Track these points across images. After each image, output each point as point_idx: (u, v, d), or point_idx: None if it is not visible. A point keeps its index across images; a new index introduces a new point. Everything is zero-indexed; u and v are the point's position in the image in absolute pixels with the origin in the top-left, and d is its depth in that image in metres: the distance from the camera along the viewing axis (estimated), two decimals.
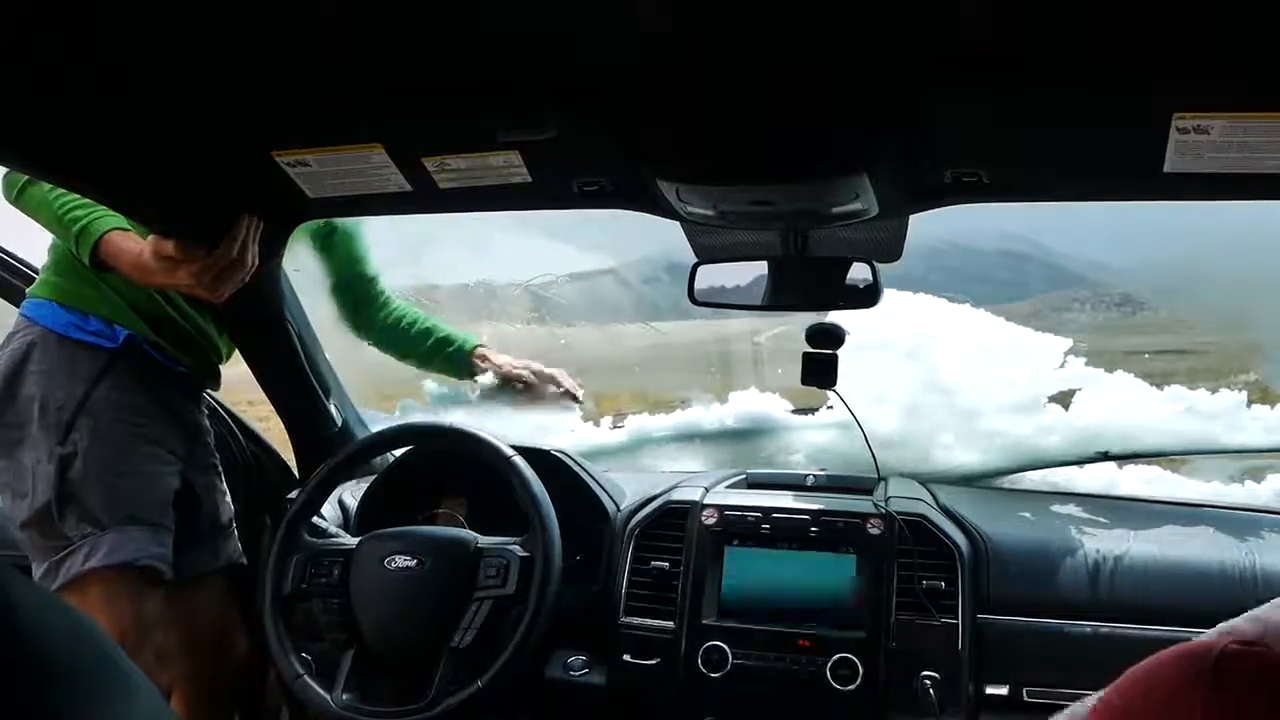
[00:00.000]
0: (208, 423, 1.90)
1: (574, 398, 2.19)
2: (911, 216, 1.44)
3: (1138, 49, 0.98)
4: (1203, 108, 1.05)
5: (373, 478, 1.90)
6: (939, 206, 1.37)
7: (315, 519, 1.70)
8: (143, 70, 1.10)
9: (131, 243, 1.54)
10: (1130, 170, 1.19)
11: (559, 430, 2.21)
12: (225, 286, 1.51)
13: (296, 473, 2.05)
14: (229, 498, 1.92)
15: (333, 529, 1.74)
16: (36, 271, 1.82)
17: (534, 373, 2.17)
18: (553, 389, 2.18)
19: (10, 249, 2.01)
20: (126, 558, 1.62)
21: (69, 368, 1.66)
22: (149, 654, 1.67)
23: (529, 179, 1.35)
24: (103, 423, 1.65)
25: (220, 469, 1.92)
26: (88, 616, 0.45)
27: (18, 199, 1.59)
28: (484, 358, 2.16)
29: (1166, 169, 1.14)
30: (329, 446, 1.90)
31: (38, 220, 1.60)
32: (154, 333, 1.73)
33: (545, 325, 2.59)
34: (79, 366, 1.66)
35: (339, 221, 1.99)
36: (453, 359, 2.17)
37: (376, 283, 2.13)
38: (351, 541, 1.63)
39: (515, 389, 2.18)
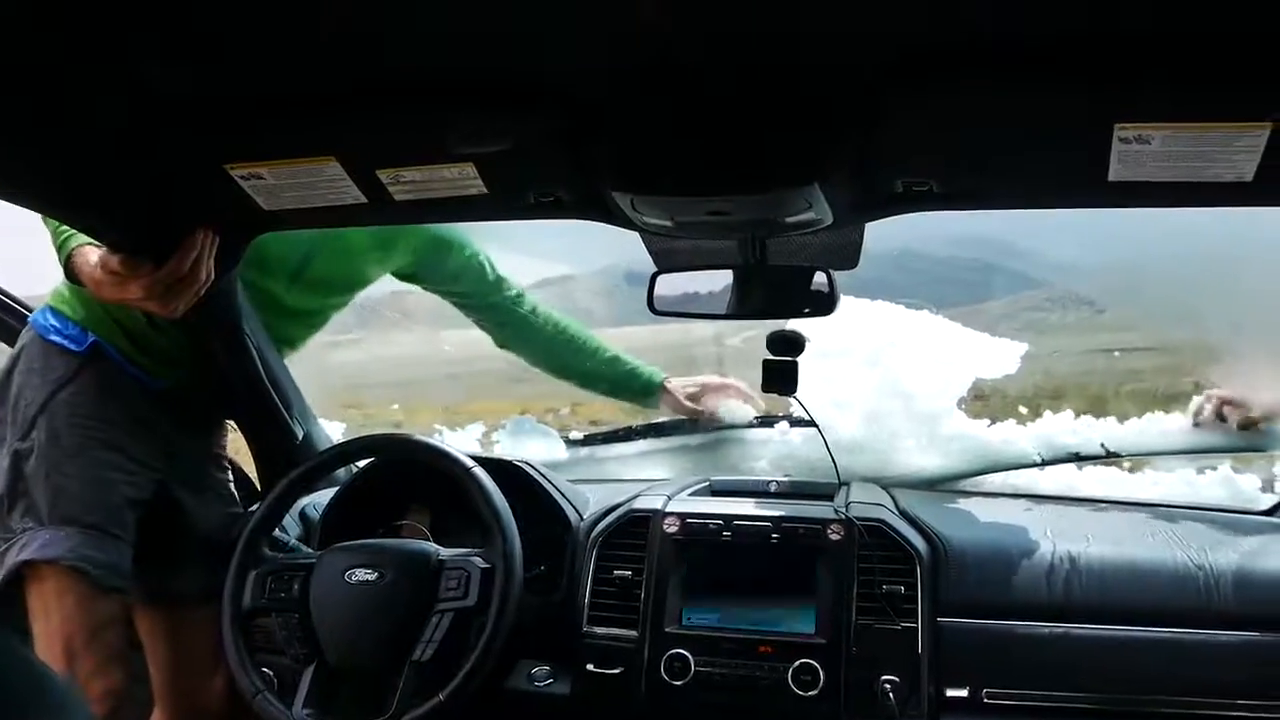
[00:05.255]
0: (210, 444, 1.91)
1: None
2: (870, 224, 1.46)
3: (1078, 61, 1.00)
4: (1143, 118, 1.06)
5: (335, 490, 1.89)
6: (892, 215, 1.38)
7: (276, 532, 1.69)
8: (89, 82, 1.09)
9: (93, 256, 1.53)
10: (1076, 179, 1.21)
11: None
12: (178, 301, 1.50)
13: (259, 486, 2.03)
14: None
15: (293, 542, 1.73)
16: (28, 309, 1.90)
17: (710, 388, 2.20)
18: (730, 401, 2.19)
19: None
20: (55, 555, 1.61)
21: (43, 368, 1.71)
22: (97, 656, 1.65)
23: (485, 190, 1.35)
24: (59, 423, 1.67)
25: (228, 494, 1.92)
26: (14, 636, 0.45)
27: None
28: (669, 393, 2.20)
29: (1111, 178, 1.16)
30: (290, 459, 1.88)
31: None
32: (133, 346, 1.74)
33: None
34: (51, 368, 1.70)
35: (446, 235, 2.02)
36: (640, 393, 2.22)
37: (522, 296, 2.15)
38: (312, 555, 1.62)
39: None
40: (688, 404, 2.19)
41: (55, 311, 1.74)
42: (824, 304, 1.52)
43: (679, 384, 2.21)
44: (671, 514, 1.70)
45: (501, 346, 2.19)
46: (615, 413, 3.05)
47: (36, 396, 1.69)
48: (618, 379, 2.21)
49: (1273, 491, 1.88)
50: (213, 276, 1.52)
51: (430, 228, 1.98)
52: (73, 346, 1.71)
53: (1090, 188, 1.20)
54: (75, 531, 1.64)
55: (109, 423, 1.71)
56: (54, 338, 1.72)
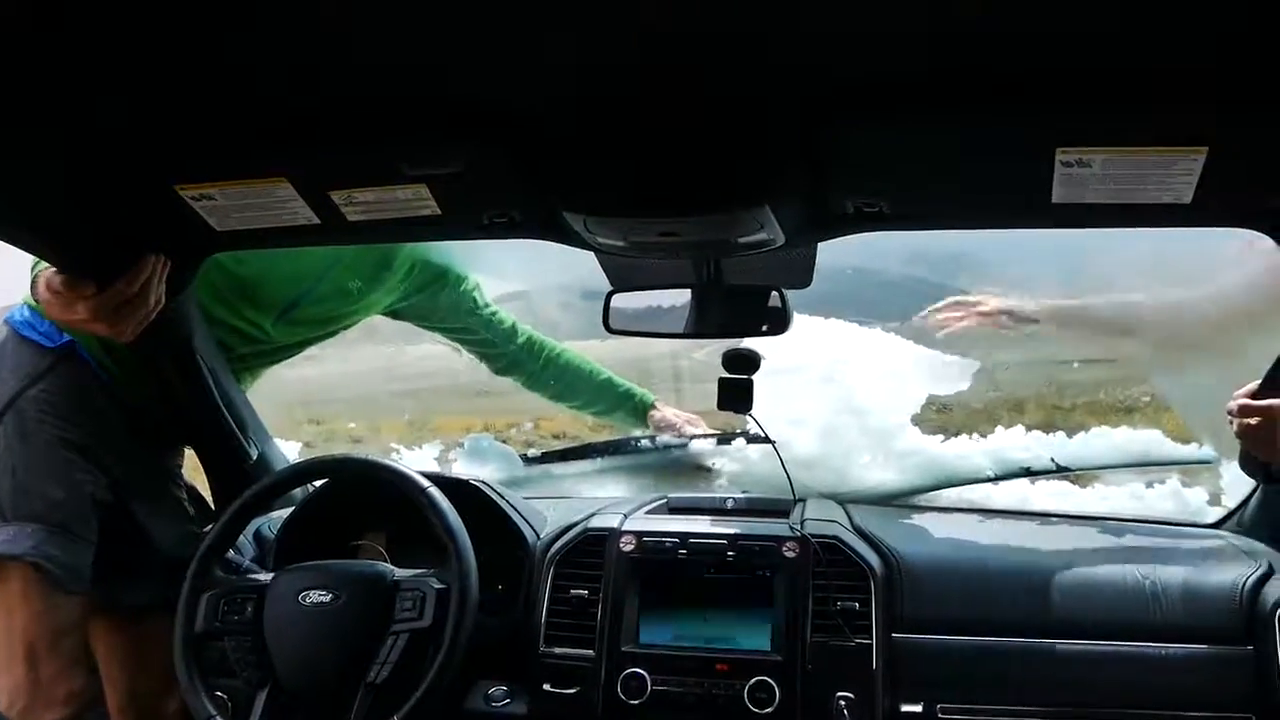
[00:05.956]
0: (166, 460, 1.90)
1: None
2: (823, 243, 1.47)
3: (1021, 88, 1.02)
4: (1083, 142, 1.09)
5: (291, 510, 1.87)
6: (843, 235, 1.40)
7: (230, 554, 1.67)
8: (34, 104, 1.08)
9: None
10: (1021, 201, 1.24)
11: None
12: (127, 325, 1.47)
13: (213, 507, 2.01)
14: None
15: (247, 564, 1.71)
16: None
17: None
18: None
19: None
20: (18, 551, 1.60)
21: (15, 363, 1.70)
22: (60, 659, 1.65)
23: (438, 211, 1.35)
24: (28, 420, 1.67)
25: (185, 511, 1.90)
26: None
27: None
28: (660, 413, 2.27)
29: (1054, 200, 1.19)
30: (245, 480, 1.86)
31: None
32: (105, 353, 1.73)
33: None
34: (23, 363, 1.70)
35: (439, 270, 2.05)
36: (633, 413, 2.28)
37: (515, 329, 2.21)
38: (266, 577, 1.61)
39: None
40: (679, 419, 2.25)
41: (33, 309, 1.72)
42: (778, 322, 1.54)
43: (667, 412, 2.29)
44: (628, 532, 1.70)
45: (498, 374, 2.25)
46: (579, 428, 3.04)
47: (4, 391, 1.68)
48: (612, 403, 2.29)
49: (1219, 504, 1.92)
50: (163, 301, 1.50)
51: (423, 264, 2.02)
52: (47, 343, 1.70)
53: (1034, 209, 1.23)
54: (39, 529, 1.62)
55: (77, 423, 1.70)
56: (28, 333, 1.71)
